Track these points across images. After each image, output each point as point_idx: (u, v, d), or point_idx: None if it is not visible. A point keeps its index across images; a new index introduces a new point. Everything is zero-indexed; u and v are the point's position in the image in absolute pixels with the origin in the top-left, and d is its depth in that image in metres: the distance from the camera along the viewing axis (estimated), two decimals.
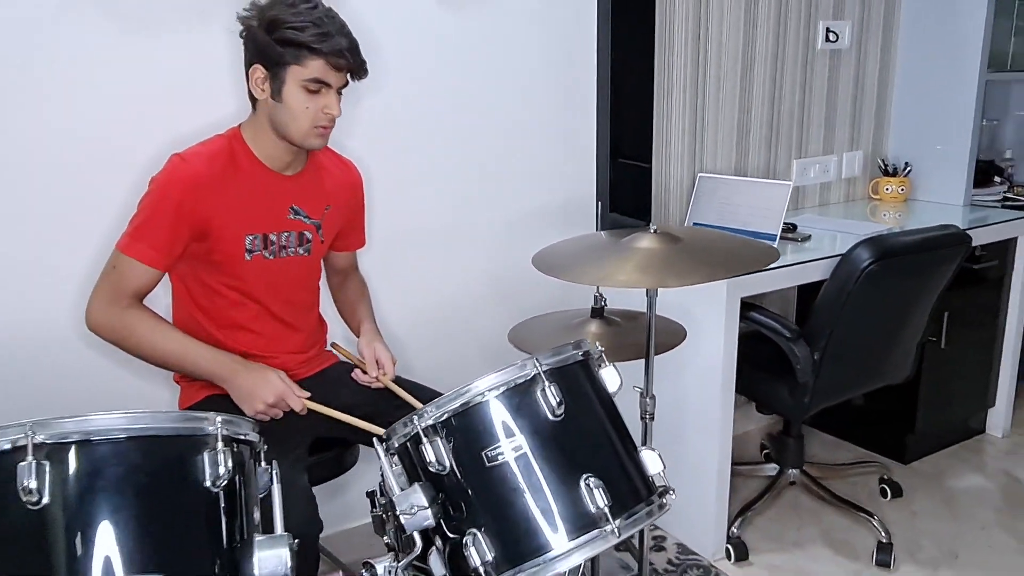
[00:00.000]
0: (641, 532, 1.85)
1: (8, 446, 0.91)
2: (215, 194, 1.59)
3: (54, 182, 1.89)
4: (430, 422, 1.15)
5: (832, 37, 3.01)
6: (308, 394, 1.57)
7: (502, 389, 1.15)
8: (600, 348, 1.28)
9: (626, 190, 2.67)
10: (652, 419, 1.70)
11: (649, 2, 2.54)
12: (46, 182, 1.88)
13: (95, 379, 1.97)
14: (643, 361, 1.70)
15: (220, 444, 1.01)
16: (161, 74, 1.96)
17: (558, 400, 1.15)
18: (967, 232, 2.35)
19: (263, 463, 1.15)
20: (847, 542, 2.46)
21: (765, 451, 2.93)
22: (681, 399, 2.37)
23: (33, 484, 0.89)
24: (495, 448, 1.13)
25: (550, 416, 1.15)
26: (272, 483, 1.11)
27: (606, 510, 1.11)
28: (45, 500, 0.90)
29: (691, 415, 2.35)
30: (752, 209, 2.51)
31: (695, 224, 2.64)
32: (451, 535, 1.17)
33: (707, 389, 2.28)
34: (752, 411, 3.03)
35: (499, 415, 1.14)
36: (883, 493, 2.69)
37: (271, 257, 1.70)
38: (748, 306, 2.28)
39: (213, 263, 1.64)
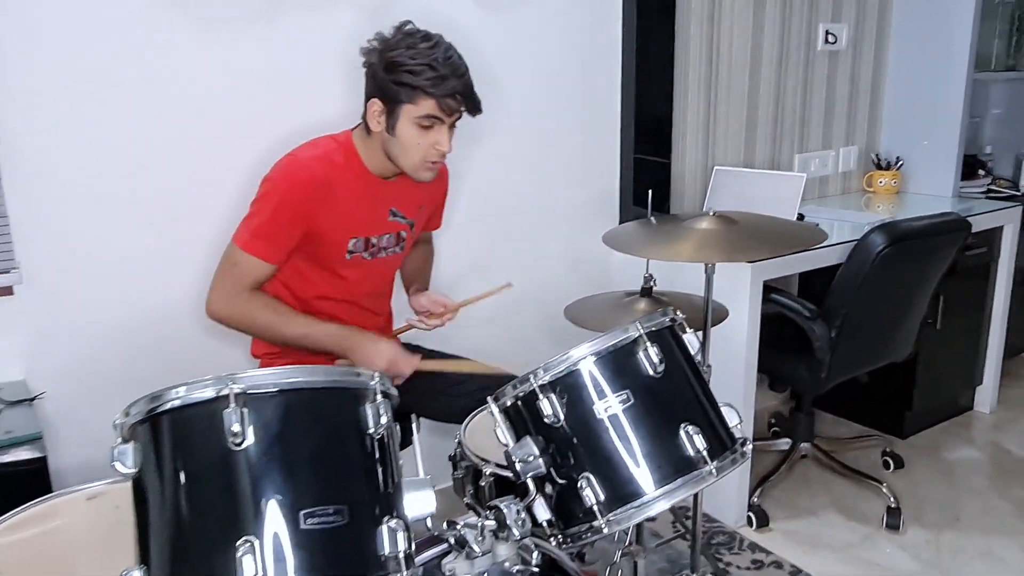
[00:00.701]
0: (695, 498, 2.01)
1: (212, 394, 1.04)
2: (327, 198, 1.70)
3: (170, 177, 2.03)
4: (546, 380, 1.29)
5: (831, 39, 3.21)
6: (417, 357, 1.73)
7: (610, 349, 1.29)
8: (682, 316, 1.43)
9: (644, 183, 2.84)
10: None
11: (668, 9, 2.71)
12: (162, 177, 2.02)
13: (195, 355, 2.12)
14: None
15: (379, 397, 1.14)
16: (271, 72, 2.09)
17: (660, 358, 1.30)
18: (966, 219, 2.55)
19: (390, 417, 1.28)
20: (857, 509, 2.64)
21: (773, 428, 3.12)
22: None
23: (237, 428, 1.02)
24: (605, 401, 1.27)
25: (652, 372, 1.30)
26: (412, 435, 1.24)
27: (704, 453, 1.26)
28: (247, 442, 1.03)
29: (716, 391, 2.51)
30: (767, 199, 2.69)
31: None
32: (560, 481, 1.31)
33: (732, 367, 2.45)
34: (759, 391, 3.21)
35: (607, 372, 1.28)
36: (886, 465, 2.89)
37: (370, 258, 1.83)
38: (770, 289, 2.45)
39: (313, 258, 1.76)
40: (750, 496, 2.59)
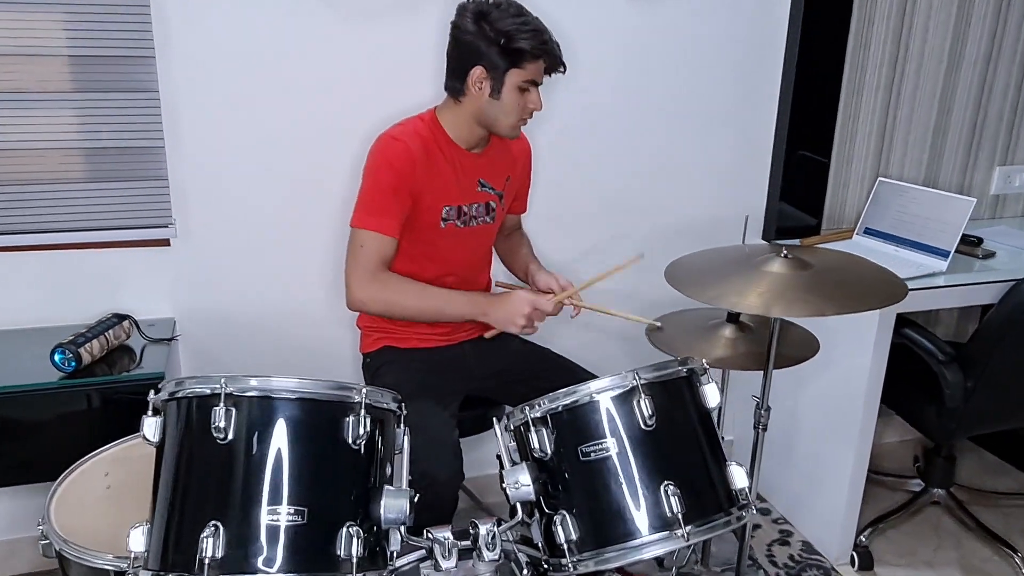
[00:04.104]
0: (744, 528, 1.95)
1: (208, 392, 1.20)
2: (423, 168, 1.81)
3: (303, 154, 2.23)
4: (539, 414, 1.33)
5: None
6: (553, 295, 1.83)
7: (605, 395, 1.30)
8: (706, 365, 1.39)
9: (800, 182, 2.66)
10: (765, 430, 1.78)
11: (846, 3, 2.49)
12: (297, 153, 2.23)
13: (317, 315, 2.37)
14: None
15: (363, 411, 1.24)
16: (373, 60, 2.21)
17: (650, 412, 1.28)
18: None
19: (401, 426, 1.38)
20: (984, 571, 2.40)
21: (917, 464, 2.87)
22: (820, 405, 2.40)
23: (222, 424, 1.17)
24: (591, 445, 1.29)
25: (642, 425, 1.29)
26: (403, 446, 1.34)
27: (679, 516, 1.25)
28: (230, 437, 1.18)
29: (830, 422, 2.37)
30: (929, 222, 2.43)
31: (867, 229, 2.59)
32: (547, 511, 1.35)
33: (849, 399, 2.29)
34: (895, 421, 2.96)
35: (599, 417, 1.30)
36: None
37: (462, 226, 1.93)
38: (904, 321, 2.25)
39: (412, 229, 1.86)
40: (857, 534, 2.44)
